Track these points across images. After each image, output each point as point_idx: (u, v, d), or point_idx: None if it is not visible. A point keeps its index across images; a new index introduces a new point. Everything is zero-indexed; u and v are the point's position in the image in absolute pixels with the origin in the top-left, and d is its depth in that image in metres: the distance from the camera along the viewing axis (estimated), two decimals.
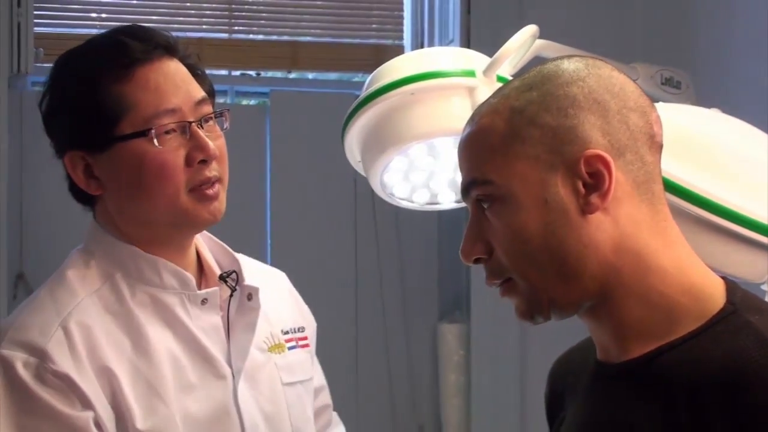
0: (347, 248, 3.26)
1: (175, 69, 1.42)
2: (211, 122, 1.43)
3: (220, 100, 3.28)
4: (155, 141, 1.37)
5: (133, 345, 1.38)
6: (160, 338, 1.40)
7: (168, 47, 1.42)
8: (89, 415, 1.31)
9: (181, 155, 1.39)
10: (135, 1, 3.23)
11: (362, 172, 1.60)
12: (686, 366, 1.05)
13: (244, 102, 3.36)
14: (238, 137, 3.38)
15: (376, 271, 3.29)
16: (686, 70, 2.21)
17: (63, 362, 1.31)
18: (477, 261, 1.14)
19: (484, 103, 1.16)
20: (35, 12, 3.03)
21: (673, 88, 2.18)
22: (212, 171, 1.41)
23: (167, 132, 1.38)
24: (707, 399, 1.01)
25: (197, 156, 1.39)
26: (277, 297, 1.59)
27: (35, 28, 3.02)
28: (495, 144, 1.11)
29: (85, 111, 1.39)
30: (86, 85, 1.39)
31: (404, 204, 1.64)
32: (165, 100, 1.38)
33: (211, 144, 1.40)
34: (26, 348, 1.32)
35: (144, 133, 1.37)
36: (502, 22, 3.10)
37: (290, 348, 1.55)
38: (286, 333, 1.56)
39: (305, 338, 1.59)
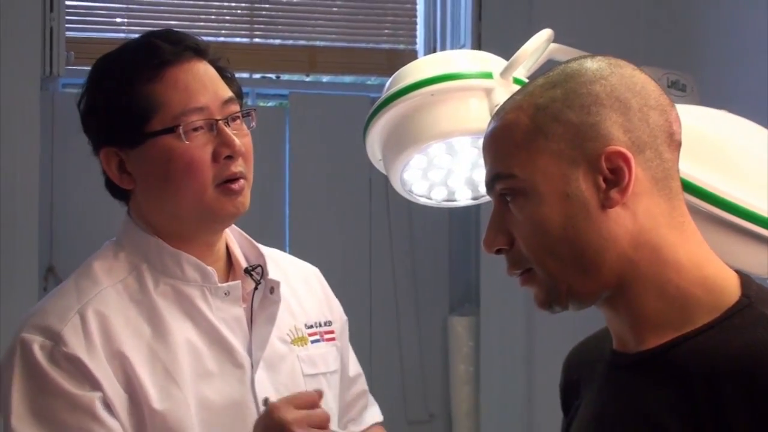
0: (362, 243, 3.26)
1: (203, 70, 1.42)
2: (238, 121, 1.43)
3: None
4: (183, 137, 1.37)
5: (153, 332, 1.38)
6: (180, 327, 1.40)
7: (197, 50, 1.43)
8: (97, 395, 1.33)
9: (208, 151, 1.39)
10: (160, 8, 3.22)
11: (383, 170, 1.59)
12: (703, 356, 1.03)
13: (264, 103, 3.36)
14: (259, 136, 3.38)
15: (389, 265, 3.28)
16: (690, 73, 2.20)
17: (75, 346, 1.33)
18: (499, 251, 1.14)
19: (509, 99, 1.15)
20: (66, 17, 3.03)
21: (679, 91, 2.16)
22: (238, 167, 1.41)
23: (195, 129, 1.38)
24: (725, 389, 1.00)
25: (223, 152, 1.39)
26: (306, 291, 1.59)
27: (66, 33, 3.02)
28: (519, 139, 1.10)
29: (118, 109, 1.40)
30: (120, 85, 1.40)
31: (422, 201, 1.63)
32: (193, 98, 1.39)
33: (237, 141, 1.40)
34: (43, 332, 1.35)
35: (172, 130, 1.37)
36: (512, 28, 3.10)
37: (313, 342, 1.54)
38: (310, 327, 1.55)
39: (332, 332, 1.59)
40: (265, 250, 1.54)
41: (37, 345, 1.33)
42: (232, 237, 1.53)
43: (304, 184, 3.21)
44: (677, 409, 1.03)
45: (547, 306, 1.12)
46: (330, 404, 1.54)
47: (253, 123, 1.47)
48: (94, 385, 1.33)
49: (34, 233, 2.90)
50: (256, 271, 1.48)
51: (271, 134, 3.19)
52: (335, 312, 1.63)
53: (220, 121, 1.40)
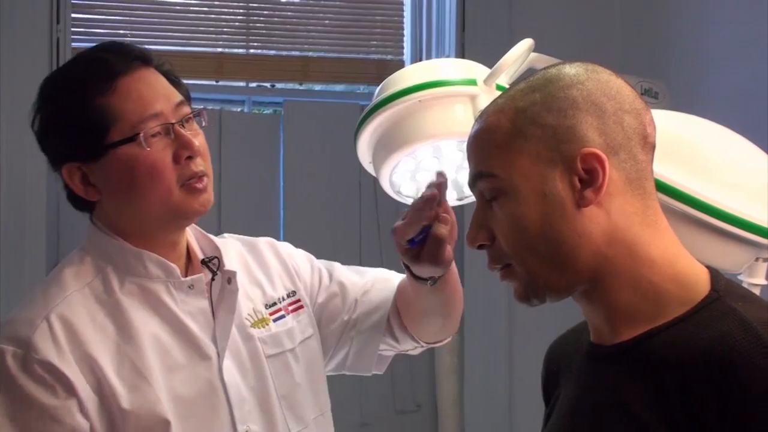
0: (352, 242, 3.24)
1: (153, 77, 1.40)
2: (190, 122, 1.41)
3: (237, 109, 3.27)
4: (144, 144, 1.34)
5: (118, 330, 1.36)
6: (147, 323, 1.38)
7: (144, 58, 1.40)
8: (71, 403, 1.30)
9: (169, 154, 1.37)
10: (161, 20, 3.20)
11: (373, 173, 1.58)
12: (674, 348, 1.03)
13: (260, 111, 3.35)
14: (255, 142, 3.36)
15: (378, 263, 3.25)
16: (662, 81, 2.20)
17: (47, 351, 1.30)
18: (480, 247, 1.13)
19: (491, 103, 1.15)
20: (72, 29, 3.01)
21: (652, 98, 2.16)
22: (198, 166, 1.39)
23: (153, 135, 1.36)
24: (695, 379, 0.99)
25: (183, 153, 1.37)
26: (262, 270, 1.56)
27: (72, 44, 2.99)
28: (500, 140, 1.09)
29: (75, 125, 1.36)
30: (73, 101, 1.36)
31: (410, 201, 1.62)
32: (148, 106, 1.36)
33: (195, 141, 1.38)
34: (14, 341, 1.30)
35: (133, 138, 1.34)
36: (493, 38, 3.10)
37: (275, 320, 1.52)
38: (272, 305, 1.53)
39: (297, 301, 1.56)
40: (218, 240, 1.52)
41: (10, 355, 1.29)
42: (190, 232, 1.50)
43: (298, 186, 3.20)
44: (650, 399, 1.02)
45: (525, 299, 1.12)
46: (296, 380, 1.50)
47: (205, 122, 1.44)
48: (68, 389, 1.30)
49: (43, 234, 2.88)
50: (213, 263, 1.47)
51: (266, 140, 3.19)
52: (301, 272, 1.60)
53: (175, 125, 1.37)
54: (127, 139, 1.34)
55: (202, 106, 1.45)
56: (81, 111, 1.35)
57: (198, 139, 1.39)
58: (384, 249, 3.27)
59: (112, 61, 1.37)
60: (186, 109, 1.41)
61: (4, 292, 2.80)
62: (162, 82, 1.41)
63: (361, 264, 3.18)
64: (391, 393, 3.25)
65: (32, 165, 2.86)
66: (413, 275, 1.51)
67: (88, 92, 1.35)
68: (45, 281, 1.40)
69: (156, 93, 1.38)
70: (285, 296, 1.56)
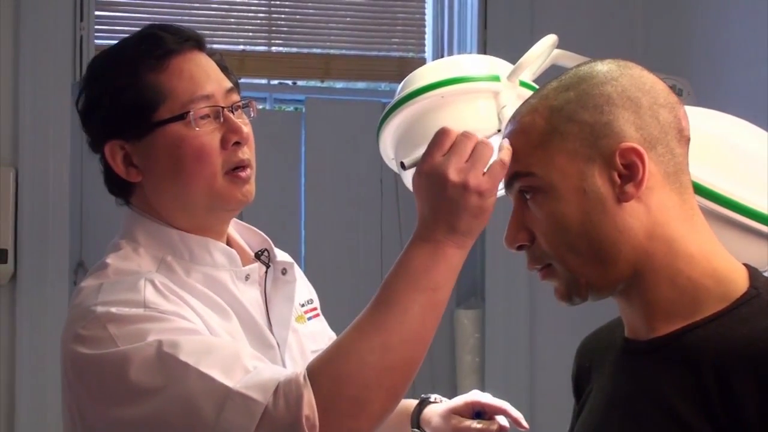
0: (373, 239, 3.24)
1: (205, 60, 1.39)
2: (239, 111, 1.39)
3: (258, 106, 3.26)
4: (193, 124, 1.32)
5: (199, 311, 1.31)
6: (219, 311, 1.34)
7: (198, 41, 1.39)
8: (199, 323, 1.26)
9: (217, 138, 1.34)
10: (183, 18, 3.21)
11: (395, 169, 1.57)
12: (711, 344, 1.02)
13: (282, 108, 3.35)
14: (276, 140, 3.37)
15: None
16: (686, 78, 2.19)
17: (164, 306, 1.25)
18: (520, 248, 1.13)
19: (524, 103, 1.15)
20: (96, 27, 3.01)
21: (676, 95, 2.15)
22: (245, 153, 1.36)
23: (203, 117, 1.34)
24: (734, 374, 0.98)
25: (232, 138, 1.35)
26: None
27: (95, 41, 2.99)
28: (536, 140, 1.10)
29: (124, 100, 1.33)
30: (125, 76, 1.34)
31: None
32: (199, 87, 1.34)
33: (244, 127, 1.36)
34: (125, 303, 1.24)
35: (182, 117, 1.32)
36: (515, 35, 3.08)
37: (308, 319, 1.52)
38: (303, 305, 1.53)
39: (315, 309, 1.56)
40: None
41: (126, 308, 1.23)
42: (232, 227, 1.48)
43: (319, 184, 3.20)
44: (688, 393, 1.01)
45: (567, 299, 1.11)
46: None
47: (254, 113, 1.42)
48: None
49: (66, 231, 2.89)
50: (265, 255, 1.45)
51: (287, 137, 3.19)
52: (312, 291, 1.60)
53: (225, 109, 1.35)
54: (176, 117, 1.32)
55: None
56: (131, 86, 1.33)
57: (245, 128, 1.37)
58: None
59: (167, 39, 1.36)
60: (236, 97, 1.39)
61: (28, 289, 2.82)
62: (213, 66, 1.39)
63: (382, 262, 3.22)
64: (412, 390, 3.23)
65: (55, 162, 2.87)
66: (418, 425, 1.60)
67: (140, 67, 1.33)
68: (106, 274, 1.31)
69: (207, 75, 1.36)
70: (308, 301, 1.55)
